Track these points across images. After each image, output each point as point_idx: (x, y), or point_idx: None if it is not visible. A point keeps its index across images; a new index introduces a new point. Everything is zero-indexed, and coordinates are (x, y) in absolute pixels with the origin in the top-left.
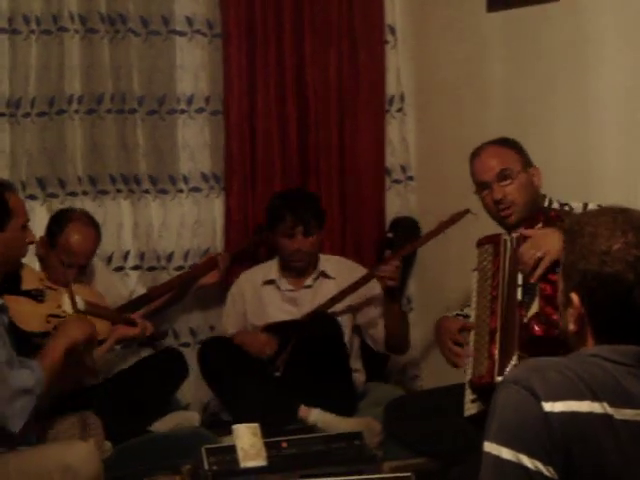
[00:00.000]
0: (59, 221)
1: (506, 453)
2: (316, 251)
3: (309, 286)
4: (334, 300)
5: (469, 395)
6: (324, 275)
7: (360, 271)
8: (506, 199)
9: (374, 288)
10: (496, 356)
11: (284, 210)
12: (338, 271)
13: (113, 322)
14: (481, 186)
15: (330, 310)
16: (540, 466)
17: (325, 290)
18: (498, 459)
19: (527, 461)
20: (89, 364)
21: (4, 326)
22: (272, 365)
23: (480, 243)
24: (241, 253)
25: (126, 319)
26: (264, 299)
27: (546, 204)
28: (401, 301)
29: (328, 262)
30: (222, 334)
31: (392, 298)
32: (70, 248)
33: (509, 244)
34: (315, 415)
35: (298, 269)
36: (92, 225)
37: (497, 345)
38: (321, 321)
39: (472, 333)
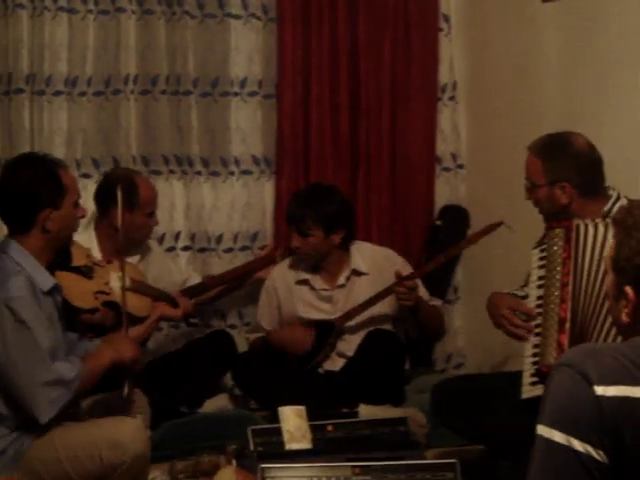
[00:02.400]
0: (129, 184)
1: (557, 436)
2: (321, 251)
3: (342, 285)
4: (351, 313)
5: (528, 377)
6: (356, 273)
7: (395, 261)
8: (534, 203)
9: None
10: (565, 346)
11: (288, 203)
12: (372, 265)
13: (155, 300)
14: None
15: (371, 308)
16: (590, 450)
17: (359, 288)
18: (550, 442)
19: (578, 444)
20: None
21: (58, 306)
22: (310, 362)
23: (550, 226)
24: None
25: (169, 298)
26: (298, 298)
27: (612, 201)
28: (418, 306)
29: (361, 256)
30: (257, 327)
31: (413, 312)
32: (151, 198)
33: (582, 229)
34: (359, 409)
35: (308, 264)
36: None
37: (567, 334)
38: (382, 339)
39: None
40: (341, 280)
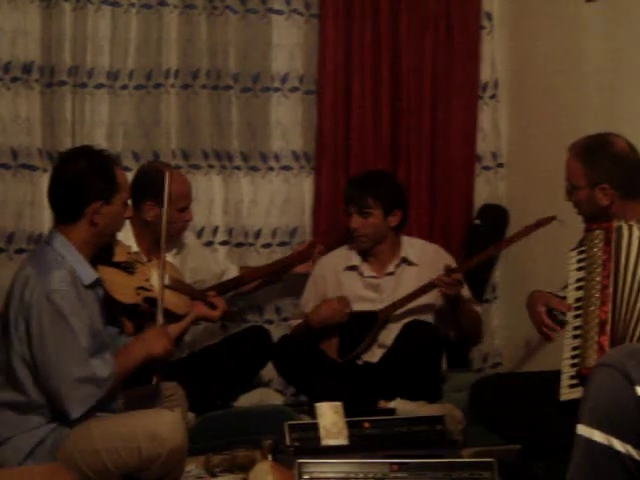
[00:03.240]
0: (157, 178)
1: (598, 436)
2: (379, 233)
3: (391, 273)
4: (396, 305)
5: (567, 380)
6: (406, 262)
7: (444, 256)
8: (574, 204)
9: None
10: (606, 347)
11: (344, 187)
12: (421, 257)
13: (193, 299)
14: None
15: (415, 301)
16: (631, 450)
17: (407, 277)
18: (590, 442)
19: (618, 444)
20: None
21: (99, 299)
22: (350, 353)
23: (590, 228)
24: (336, 244)
25: (207, 299)
26: (345, 285)
27: None
28: (459, 304)
29: (411, 247)
30: (300, 314)
31: (453, 306)
32: (181, 193)
33: (626, 231)
34: (395, 404)
35: (363, 249)
36: (171, 165)
37: (607, 336)
38: (418, 330)
39: (570, 316)
40: (390, 268)
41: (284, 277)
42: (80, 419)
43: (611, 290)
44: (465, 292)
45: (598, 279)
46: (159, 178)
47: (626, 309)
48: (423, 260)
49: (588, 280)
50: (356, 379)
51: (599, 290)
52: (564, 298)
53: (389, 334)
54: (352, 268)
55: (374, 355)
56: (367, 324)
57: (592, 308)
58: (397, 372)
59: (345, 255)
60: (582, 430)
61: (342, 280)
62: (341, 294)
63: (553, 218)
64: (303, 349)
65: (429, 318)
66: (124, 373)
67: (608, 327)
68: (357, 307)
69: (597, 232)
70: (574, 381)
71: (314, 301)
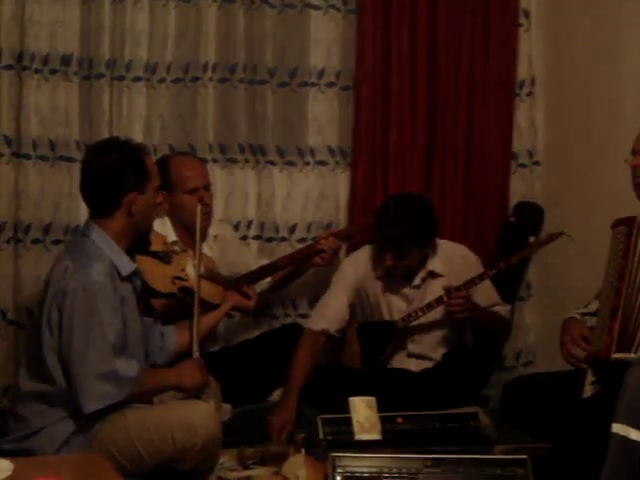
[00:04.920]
0: (162, 166)
1: (634, 434)
2: (414, 264)
3: (417, 286)
4: (412, 316)
5: (590, 377)
6: (432, 274)
7: (470, 261)
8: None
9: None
10: (616, 333)
11: (378, 225)
12: (448, 267)
13: (227, 289)
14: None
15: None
16: None
17: (433, 289)
18: (626, 440)
19: None
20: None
21: (136, 290)
22: (373, 362)
23: (615, 224)
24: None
25: (240, 289)
26: (375, 289)
27: None
28: (476, 315)
29: (438, 256)
30: (319, 314)
31: (470, 321)
32: (185, 176)
33: None
34: None
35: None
36: (188, 153)
37: (618, 322)
38: (462, 355)
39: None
40: (417, 281)
41: (310, 267)
42: (93, 416)
43: (626, 279)
44: (488, 297)
45: (617, 269)
46: (161, 166)
47: (636, 296)
48: (450, 269)
49: (608, 272)
50: (390, 383)
51: (616, 279)
52: (594, 314)
53: (418, 344)
54: (381, 277)
55: (404, 362)
56: (386, 333)
57: (607, 294)
58: (441, 386)
59: (373, 260)
60: (617, 428)
61: (373, 282)
62: (370, 297)
63: (561, 233)
64: (327, 380)
65: (455, 328)
66: (148, 392)
67: (620, 313)
68: (387, 316)
69: (621, 227)
70: (595, 378)
71: (341, 289)
